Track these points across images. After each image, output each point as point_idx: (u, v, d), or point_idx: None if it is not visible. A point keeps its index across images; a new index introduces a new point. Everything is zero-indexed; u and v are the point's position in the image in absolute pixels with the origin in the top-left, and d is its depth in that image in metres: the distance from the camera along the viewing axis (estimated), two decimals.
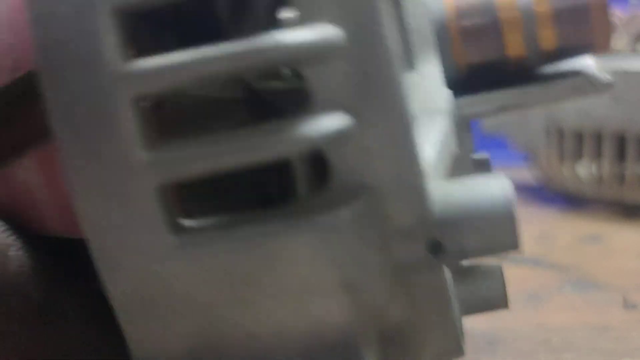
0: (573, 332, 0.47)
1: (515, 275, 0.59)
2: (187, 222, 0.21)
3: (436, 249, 0.22)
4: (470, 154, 0.34)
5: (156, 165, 0.20)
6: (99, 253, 0.21)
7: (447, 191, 0.22)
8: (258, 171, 0.21)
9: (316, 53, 0.20)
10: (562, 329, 0.47)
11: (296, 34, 0.19)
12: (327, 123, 0.20)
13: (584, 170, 0.75)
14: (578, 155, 0.75)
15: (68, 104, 0.20)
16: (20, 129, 0.25)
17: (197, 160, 0.20)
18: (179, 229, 0.21)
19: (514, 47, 0.32)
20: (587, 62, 0.33)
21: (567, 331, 0.47)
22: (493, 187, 0.22)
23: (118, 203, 0.20)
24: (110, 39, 0.20)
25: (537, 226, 0.69)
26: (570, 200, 0.77)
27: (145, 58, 0.20)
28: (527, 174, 0.81)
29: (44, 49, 0.20)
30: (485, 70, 0.32)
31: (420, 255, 0.22)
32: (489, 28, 0.32)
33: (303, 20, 0.20)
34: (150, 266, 0.21)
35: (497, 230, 0.22)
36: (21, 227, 0.26)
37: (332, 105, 0.20)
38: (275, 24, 0.25)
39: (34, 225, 0.26)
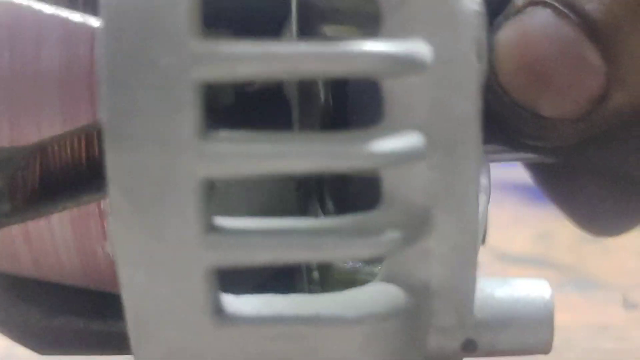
0: (573, 332, 0.47)
1: (515, 275, 0.59)
2: (229, 302, 0.21)
3: (470, 347, 0.23)
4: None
5: (214, 247, 0.20)
6: (134, 319, 0.20)
7: (488, 291, 0.23)
8: None
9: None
10: (562, 329, 0.47)
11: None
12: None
13: None
14: None
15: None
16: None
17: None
18: (221, 311, 0.20)
19: None
20: None
21: (567, 331, 0.47)
22: (534, 292, 0.24)
23: (167, 277, 0.20)
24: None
25: (537, 226, 0.69)
26: None
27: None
28: (527, 174, 0.81)
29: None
30: None
31: (452, 352, 0.23)
32: None
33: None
34: (185, 343, 0.21)
35: (532, 335, 0.24)
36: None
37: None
38: None
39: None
